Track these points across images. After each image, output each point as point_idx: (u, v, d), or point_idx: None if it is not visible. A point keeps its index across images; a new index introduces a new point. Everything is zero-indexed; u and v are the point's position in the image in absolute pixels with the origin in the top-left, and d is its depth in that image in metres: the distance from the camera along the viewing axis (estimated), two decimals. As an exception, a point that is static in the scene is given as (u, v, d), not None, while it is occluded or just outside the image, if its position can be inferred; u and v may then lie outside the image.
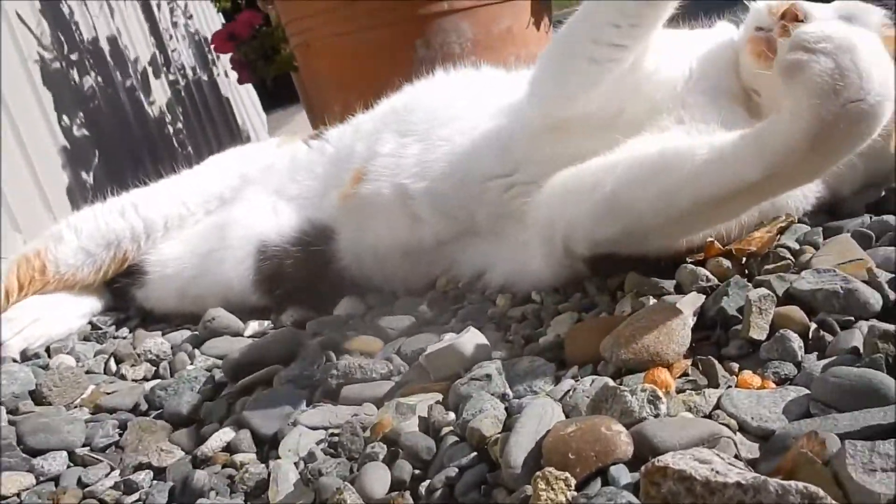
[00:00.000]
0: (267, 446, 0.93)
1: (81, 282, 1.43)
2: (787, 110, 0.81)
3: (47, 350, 1.34)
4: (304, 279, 1.33)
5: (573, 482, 0.63)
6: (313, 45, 2.72)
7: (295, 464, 0.85)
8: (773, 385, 0.76)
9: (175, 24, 3.86)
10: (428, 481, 0.74)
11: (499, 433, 0.74)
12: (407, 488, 0.76)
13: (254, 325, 1.29)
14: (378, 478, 0.76)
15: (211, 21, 4.55)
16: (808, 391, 0.72)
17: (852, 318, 0.83)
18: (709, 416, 0.72)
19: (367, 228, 1.30)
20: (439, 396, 0.89)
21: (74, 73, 2.75)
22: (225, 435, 0.95)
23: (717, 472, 0.57)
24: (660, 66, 1.13)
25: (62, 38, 2.71)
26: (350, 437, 0.85)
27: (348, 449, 0.85)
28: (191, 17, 4.12)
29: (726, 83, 1.13)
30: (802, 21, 1.07)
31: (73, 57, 2.76)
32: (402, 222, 1.27)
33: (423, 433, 0.82)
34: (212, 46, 3.69)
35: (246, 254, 1.36)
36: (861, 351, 0.76)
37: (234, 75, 3.67)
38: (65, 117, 2.58)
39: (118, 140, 2.91)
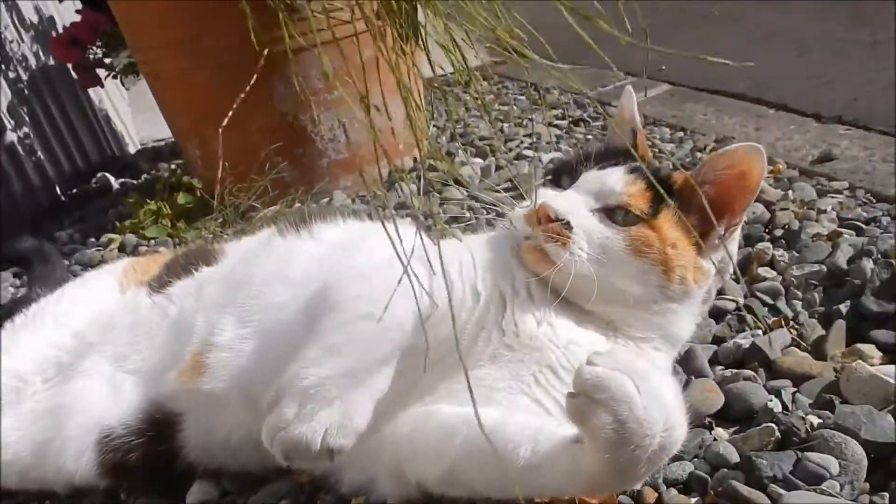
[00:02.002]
0: None
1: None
2: (588, 447, 0.86)
3: None
4: (151, 469, 1.27)
5: None
6: (163, 76, 2.55)
7: None
8: None
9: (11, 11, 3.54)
10: None
11: None
12: None
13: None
14: None
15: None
16: None
17: None
18: None
19: (213, 421, 1.24)
20: None
21: None
22: None
23: None
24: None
25: None
26: None
27: None
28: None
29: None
30: (554, 220, 1.10)
31: None
32: (250, 418, 1.19)
33: None
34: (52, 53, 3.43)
35: (86, 446, 1.27)
36: None
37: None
38: None
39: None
